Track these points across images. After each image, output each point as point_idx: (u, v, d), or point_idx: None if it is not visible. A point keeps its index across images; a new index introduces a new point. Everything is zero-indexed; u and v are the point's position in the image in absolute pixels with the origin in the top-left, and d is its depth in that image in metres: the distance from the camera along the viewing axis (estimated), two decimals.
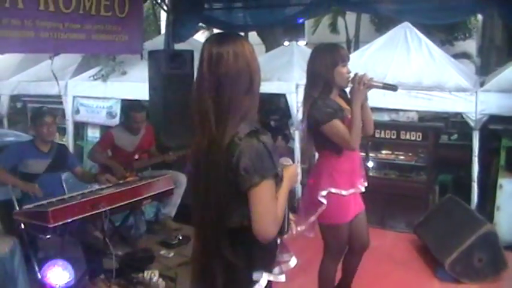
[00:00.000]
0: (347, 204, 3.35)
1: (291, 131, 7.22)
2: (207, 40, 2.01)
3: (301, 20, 7.07)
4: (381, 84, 3.28)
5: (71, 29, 5.31)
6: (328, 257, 3.50)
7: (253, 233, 1.85)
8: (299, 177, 2.11)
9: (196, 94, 1.95)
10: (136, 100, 7.13)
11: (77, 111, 8.83)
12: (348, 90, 3.39)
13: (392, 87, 3.29)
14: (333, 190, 3.27)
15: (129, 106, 5.72)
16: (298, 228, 2.52)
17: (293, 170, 2.07)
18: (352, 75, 3.23)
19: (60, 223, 3.67)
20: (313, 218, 3.34)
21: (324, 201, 3.26)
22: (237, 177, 1.84)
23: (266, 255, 2.01)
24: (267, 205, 1.85)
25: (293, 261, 2.16)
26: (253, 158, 1.82)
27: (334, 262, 3.53)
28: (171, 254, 4.97)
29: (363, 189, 3.48)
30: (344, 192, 3.30)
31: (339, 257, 3.57)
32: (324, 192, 3.26)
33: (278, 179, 1.92)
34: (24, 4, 4.78)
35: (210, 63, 1.91)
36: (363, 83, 3.15)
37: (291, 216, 2.12)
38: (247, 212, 1.86)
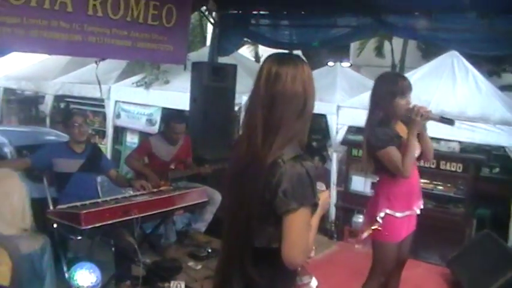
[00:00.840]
0: (400, 226, 3.44)
1: (329, 152, 7.16)
2: (268, 58, 2.02)
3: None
4: (438, 117, 3.34)
5: (118, 35, 5.39)
6: (373, 274, 3.56)
7: (281, 257, 1.83)
8: (333, 200, 2.12)
9: (248, 108, 1.99)
10: (177, 110, 7.20)
11: (118, 116, 8.99)
12: None
13: (450, 122, 3.34)
14: (388, 211, 3.38)
15: (170, 116, 5.77)
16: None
17: (326, 197, 2.08)
18: (411, 106, 3.28)
19: (92, 226, 3.69)
20: (365, 235, 3.47)
21: (380, 221, 3.38)
22: (274, 199, 1.82)
23: (288, 277, 2.00)
24: (300, 233, 1.83)
25: (314, 282, 2.17)
26: (294, 183, 1.80)
27: (377, 281, 3.57)
28: (199, 267, 4.95)
29: (418, 212, 3.56)
30: (398, 215, 3.39)
31: (383, 277, 3.59)
32: (381, 214, 3.38)
33: (315, 208, 1.90)
34: (74, 8, 4.88)
35: (268, 81, 1.92)
36: (420, 115, 3.19)
37: None
38: (278, 235, 1.84)
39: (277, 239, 1.84)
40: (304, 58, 10.15)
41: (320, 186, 2.05)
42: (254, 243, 1.90)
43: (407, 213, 3.43)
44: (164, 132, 5.56)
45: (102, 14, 5.16)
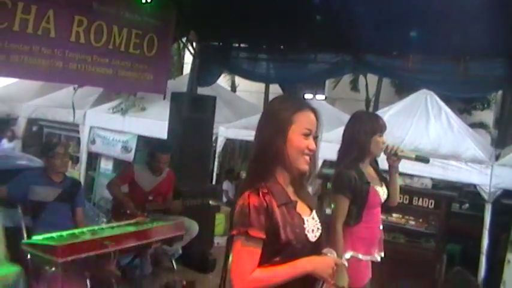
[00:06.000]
0: (364, 269, 3.34)
1: None
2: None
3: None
4: (413, 156, 3.30)
5: (99, 63, 5.39)
6: None
7: None
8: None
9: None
10: (160, 139, 7.20)
11: (93, 142, 8.91)
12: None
13: (424, 160, 3.32)
14: (352, 254, 3.26)
15: (155, 145, 5.70)
16: None
17: (325, 261, 2.01)
18: (385, 145, 3.26)
19: (68, 259, 3.63)
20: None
21: (346, 263, 3.23)
22: None
23: None
24: (236, 259, 1.94)
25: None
26: (237, 212, 1.95)
27: None
28: None
29: (379, 259, 3.42)
30: (361, 257, 3.28)
31: None
32: (346, 255, 3.23)
33: (253, 240, 1.92)
34: (56, 33, 4.87)
35: None
36: (394, 154, 3.20)
37: None
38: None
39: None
40: (280, 89, 10.28)
41: (329, 252, 2.07)
42: None
43: (368, 258, 3.33)
44: (148, 162, 5.53)
45: (85, 40, 5.16)
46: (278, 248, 1.96)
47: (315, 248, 2.06)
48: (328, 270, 1.97)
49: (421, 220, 6.75)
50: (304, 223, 2.03)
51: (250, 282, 1.92)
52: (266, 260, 1.95)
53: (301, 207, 2.08)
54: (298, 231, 1.99)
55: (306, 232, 2.02)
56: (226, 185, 8.43)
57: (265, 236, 1.92)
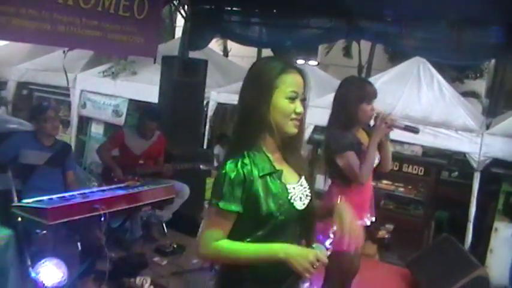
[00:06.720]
0: None
1: None
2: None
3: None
4: (403, 126, 3.26)
5: (88, 25, 5.27)
6: (328, 285, 3.45)
7: None
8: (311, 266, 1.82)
9: None
10: (148, 103, 7.15)
11: (84, 106, 8.84)
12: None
13: (414, 130, 3.28)
14: None
15: (144, 112, 5.67)
16: None
17: (304, 253, 1.82)
18: (375, 113, 3.22)
19: (59, 221, 3.64)
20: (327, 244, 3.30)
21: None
22: None
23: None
24: (205, 225, 1.97)
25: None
26: (214, 181, 1.95)
27: None
28: (164, 262, 4.96)
29: (369, 223, 3.44)
30: None
31: (338, 287, 3.51)
32: None
33: (223, 212, 1.89)
34: None
35: None
36: (384, 122, 3.15)
37: None
38: None
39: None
40: (273, 54, 10.19)
41: (318, 247, 1.87)
42: None
43: (359, 222, 3.20)
44: (138, 126, 5.51)
45: (73, 2, 5.04)
46: (260, 220, 1.89)
47: (303, 217, 2.00)
48: (304, 263, 1.78)
49: (410, 187, 6.83)
50: (288, 193, 1.93)
51: (214, 249, 1.89)
52: (248, 233, 1.90)
53: (288, 175, 1.99)
54: (281, 202, 1.89)
55: (292, 201, 1.94)
56: (217, 150, 8.44)
57: (239, 208, 1.87)
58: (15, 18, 4.63)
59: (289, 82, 1.91)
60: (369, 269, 3.92)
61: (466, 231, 5.79)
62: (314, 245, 1.88)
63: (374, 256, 5.93)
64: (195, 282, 4.55)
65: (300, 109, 1.92)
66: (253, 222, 1.90)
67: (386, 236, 6.31)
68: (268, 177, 1.90)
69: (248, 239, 1.89)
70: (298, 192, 1.98)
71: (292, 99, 1.90)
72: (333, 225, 2.61)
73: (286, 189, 1.94)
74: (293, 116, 1.91)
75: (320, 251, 1.83)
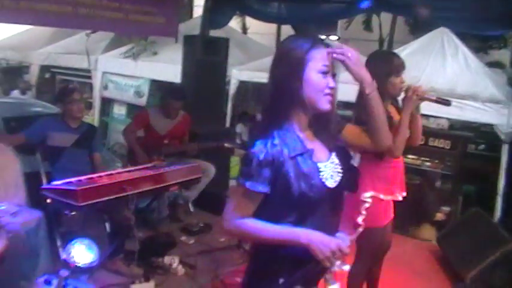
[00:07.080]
0: (384, 209, 3.32)
1: None
2: None
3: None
4: (434, 98, 3.20)
5: (109, 7, 5.32)
6: (360, 262, 3.42)
7: None
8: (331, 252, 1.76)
9: None
10: (172, 83, 7.14)
11: (105, 87, 8.90)
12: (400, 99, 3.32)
13: (446, 102, 3.20)
14: (373, 193, 3.22)
15: (168, 91, 5.66)
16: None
17: (326, 240, 1.79)
18: (405, 85, 3.17)
19: (88, 202, 3.68)
20: (360, 221, 3.23)
21: (369, 200, 3.20)
22: None
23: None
24: (230, 202, 1.93)
25: (346, 267, 1.96)
26: (242, 160, 1.90)
27: (364, 267, 3.48)
28: (192, 241, 4.98)
29: (400, 198, 3.40)
30: (382, 197, 3.25)
31: (370, 263, 3.52)
32: (367, 194, 3.20)
33: (249, 192, 1.86)
34: None
35: None
36: (415, 94, 3.10)
37: None
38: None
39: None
40: (293, 30, 10.09)
41: (341, 237, 1.86)
42: None
43: (389, 197, 3.31)
44: (162, 106, 5.51)
45: None
46: (292, 201, 1.84)
47: (334, 195, 1.95)
48: (325, 251, 1.76)
49: (436, 161, 6.73)
50: (320, 172, 1.89)
51: (237, 225, 1.88)
52: (281, 215, 1.87)
53: (319, 153, 1.94)
54: (313, 182, 1.85)
55: (324, 179, 1.89)
56: (240, 128, 8.43)
57: (266, 189, 1.83)
58: (37, 3, 4.68)
59: (320, 57, 1.86)
60: (398, 245, 3.88)
61: (494, 205, 5.71)
62: (338, 234, 1.87)
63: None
64: (223, 260, 4.57)
65: (332, 84, 1.88)
66: (285, 203, 1.86)
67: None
68: (299, 157, 1.86)
69: (281, 221, 1.86)
70: (330, 170, 1.94)
71: (324, 73, 1.86)
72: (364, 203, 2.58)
73: (318, 168, 1.90)
74: (326, 91, 1.87)
75: (343, 241, 1.81)
